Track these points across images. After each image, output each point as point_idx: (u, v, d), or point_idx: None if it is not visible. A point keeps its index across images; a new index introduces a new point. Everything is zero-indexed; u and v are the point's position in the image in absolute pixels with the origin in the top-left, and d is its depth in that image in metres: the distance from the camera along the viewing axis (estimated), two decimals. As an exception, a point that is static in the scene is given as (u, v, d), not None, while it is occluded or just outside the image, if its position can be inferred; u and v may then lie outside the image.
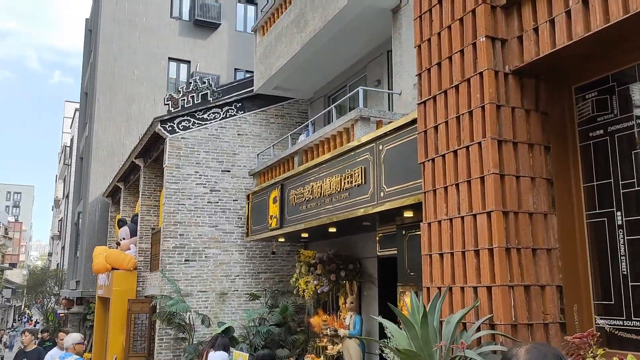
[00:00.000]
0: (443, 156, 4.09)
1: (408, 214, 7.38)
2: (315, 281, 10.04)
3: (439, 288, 4.01)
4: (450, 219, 3.96)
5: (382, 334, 9.52)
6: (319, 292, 10.06)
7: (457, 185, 3.93)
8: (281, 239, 11.42)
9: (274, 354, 10.34)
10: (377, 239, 9.55)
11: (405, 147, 6.73)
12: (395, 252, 9.17)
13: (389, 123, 7.31)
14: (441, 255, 4.03)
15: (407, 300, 4.49)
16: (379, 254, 9.51)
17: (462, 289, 3.79)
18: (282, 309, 10.85)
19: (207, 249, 11.78)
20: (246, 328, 11.24)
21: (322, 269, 10.00)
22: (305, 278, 10.26)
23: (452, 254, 3.92)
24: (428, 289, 4.16)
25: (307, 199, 9.10)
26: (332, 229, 9.41)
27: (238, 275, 11.97)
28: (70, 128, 41.59)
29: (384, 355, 5.92)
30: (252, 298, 11.60)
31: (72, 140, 35.41)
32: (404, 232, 7.86)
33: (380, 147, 7.21)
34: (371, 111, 7.91)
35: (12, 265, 70.93)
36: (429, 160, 4.26)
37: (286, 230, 9.82)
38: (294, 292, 10.98)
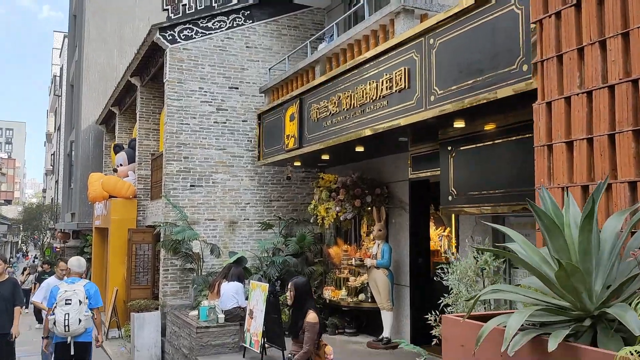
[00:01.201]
0: (576, 4, 2.90)
1: (459, 123, 6.26)
2: (338, 208, 9.03)
3: (564, 188, 2.93)
4: (589, 92, 2.82)
5: (414, 263, 8.62)
6: (341, 219, 9.07)
7: (602, 42, 2.77)
8: (297, 163, 10.32)
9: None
10: (410, 160, 8.46)
11: (465, 39, 5.52)
12: (430, 174, 8.13)
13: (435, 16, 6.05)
14: (570, 143, 2.92)
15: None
16: (411, 176, 8.44)
17: (610, 186, 2.71)
18: (299, 238, 9.88)
19: (215, 173, 10.69)
20: (259, 259, 10.33)
21: (345, 194, 8.96)
22: (326, 205, 9.24)
23: (590, 140, 2.81)
24: (544, 190, 3.07)
25: (332, 112, 7.93)
26: (360, 148, 8.29)
27: (249, 203, 10.95)
28: (60, 57, 39.57)
29: (442, 279, 4.95)
30: (265, 227, 10.63)
31: (61, 69, 33.59)
32: (449, 148, 6.75)
33: (432, 41, 5.98)
34: (416, 1, 6.62)
35: (7, 202, 70.19)
36: (549, 16, 3.07)
37: (307, 149, 8.69)
38: (311, 220, 10.00)
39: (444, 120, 6.25)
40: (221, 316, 8.10)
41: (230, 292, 8.26)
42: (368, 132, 7.08)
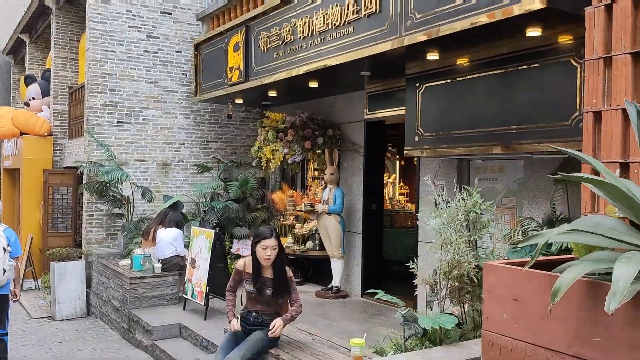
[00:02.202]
0: None
1: (433, 55, 5.66)
2: (285, 149, 8.33)
3: (624, 110, 2.41)
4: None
5: (367, 210, 8.16)
6: (289, 162, 8.40)
7: None
8: (238, 100, 9.44)
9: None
10: (366, 99, 7.87)
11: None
12: (388, 114, 7.60)
13: None
14: (637, 55, 2.37)
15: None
16: (367, 117, 7.87)
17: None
18: (241, 182, 9.12)
19: (145, 109, 9.59)
20: (197, 204, 9.51)
21: (293, 135, 8.26)
22: (272, 146, 8.51)
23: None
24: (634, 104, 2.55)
25: (286, 41, 7.10)
26: (313, 84, 7.56)
27: (183, 144, 9.98)
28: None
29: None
30: (202, 170, 9.76)
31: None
32: (417, 84, 6.19)
33: (410, -43, 5.27)
34: None
35: None
36: None
37: (254, 84, 7.83)
38: (254, 164, 9.25)
39: (417, 51, 5.63)
40: (158, 265, 7.31)
41: (168, 240, 7.46)
42: (330, 63, 6.35)
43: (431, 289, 4.24)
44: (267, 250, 4.31)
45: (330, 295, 7.87)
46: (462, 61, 5.63)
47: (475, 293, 4.19)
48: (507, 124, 5.16)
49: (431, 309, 4.29)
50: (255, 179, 9.32)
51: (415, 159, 10.86)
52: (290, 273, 4.46)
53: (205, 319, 6.56)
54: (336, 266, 7.92)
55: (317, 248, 8.48)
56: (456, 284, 4.10)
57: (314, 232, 8.52)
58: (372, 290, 4.58)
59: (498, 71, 5.27)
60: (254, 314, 4.38)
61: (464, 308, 4.26)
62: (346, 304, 7.61)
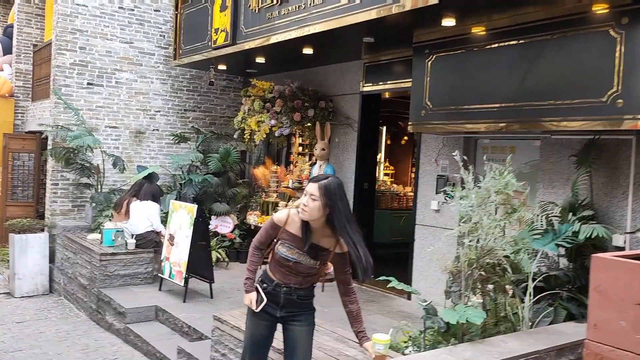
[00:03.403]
0: None
1: (449, 21, 5.16)
2: (272, 121, 7.72)
3: None
4: None
5: (359, 189, 7.65)
6: (276, 134, 7.80)
7: None
8: (222, 66, 8.77)
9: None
10: (363, 70, 7.32)
11: None
12: (388, 86, 7.09)
13: None
14: None
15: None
16: (363, 89, 7.33)
17: None
18: (222, 154, 8.48)
19: (119, 71, 8.82)
20: (172, 176, 8.84)
21: (282, 106, 7.67)
22: (258, 117, 7.89)
23: None
24: None
25: (281, 0, 6.47)
26: (308, 50, 6.97)
27: (159, 111, 9.26)
28: None
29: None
30: (178, 140, 9.07)
31: None
32: (427, 52, 5.67)
33: None
34: None
35: None
36: None
37: (242, 47, 7.19)
38: (235, 135, 8.61)
39: (431, 15, 5.11)
40: (131, 241, 6.67)
41: (143, 214, 6.82)
42: (331, 27, 5.77)
43: (453, 278, 3.78)
44: (305, 197, 3.08)
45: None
46: (481, 29, 5.13)
47: (501, 284, 3.76)
48: (530, 99, 4.71)
49: (451, 301, 3.84)
50: (237, 152, 8.71)
51: (414, 136, 10.42)
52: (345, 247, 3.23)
53: (184, 301, 5.99)
54: (324, 247, 7.42)
55: (302, 228, 7.96)
56: (482, 273, 3.66)
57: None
58: (384, 278, 4.08)
59: (522, 41, 4.80)
60: (285, 289, 3.17)
61: (485, 300, 3.83)
62: (335, 289, 7.11)
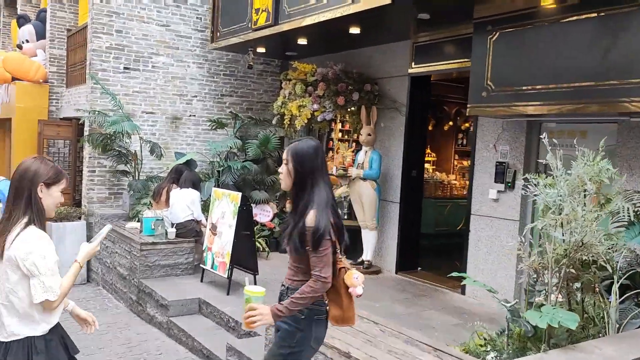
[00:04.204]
0: None
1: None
2: (315, 105, 7.38)
3: None
4: None
5: (406, 176, 7.26)
6: (318, 119, 7.46)
7: None
8: (260, 49, 8.43)
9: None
10: (412, 49, 6.90)
11: None
12: (441, 67, 6.66)
13: None
14: None
15: None
16: (412, 70, 6.92)
17: None
18: (262, 140, 8.18)
19: (156, 55, 8.56)
20: (210, 163, 8.58)
21: (325, 90, 7.31)
22: (299, 101, 7.55)
23: None
24: None
25: (328, -23, 6.09)
26: (355, 29, 6.58)
27: (196, 96, 8.99)
28: None
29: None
30: (216, 126, 8.80)
31: None
32: (489, 29, 5.24)
33: None
34: None
35: None
36: None
37: (285, 27, 6.83)
38: (274, 121, 8.29)
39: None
40: (172, 230, 6.43)
41: (184, 202, 6.55)
42: (384, 1, 5.37)
43: (537, 275, 3.40)
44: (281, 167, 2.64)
45: (361, 270, 7.03)
46: (554, 1, 4.68)
47: (591, 282, 3.37)
48: (612, 77, 4.26)
49: (532, 301, 3.46)
50: (276, 138, 8.39)
51: (471, 120, 9.96)
52: (311, 223, 2.47)
53: (228, 294, 5.73)
54: (369, 238, 7.09)
55: (345, 217, 7.63)
56: (572, 271, 3.27)
57: (342, 199, 7.66)
58: (456, 274, 3.71)
59: (603, 13, 4.34)
60: (282, 287, 2.70)
61: (570, 300, 3.45)
62: (381, 281, 6.80)
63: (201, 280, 6.22)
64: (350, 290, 2.57)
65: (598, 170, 3.25)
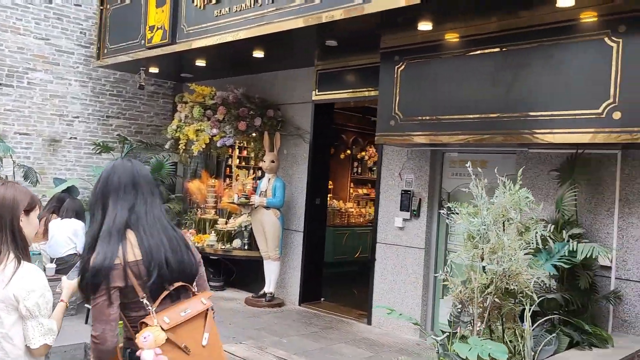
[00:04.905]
0: None
1: (425, 25, 4.81)
2: (214, 130, 7.03)
3: None
4: None
5: (311, 205, 7.08)
6: (218, 145, 7.11)
7: None
8: (153, 69, 7.93)
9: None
10: (316, 77, 6.85)
11: None
12: (345, 96, 6.66)
13: None
14: None
15: None
16: (316, 98, 6.86)
17: None
18: (154, 166, 7.62)
19: (32, 71, 7.72)
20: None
21: (225, 114, 7.00)
22: (197, 125, 7.16)
23: None
24: None
25: (233, -4, 5.86)
26: (258, 53, 6.38)
27: (78, 117, 8.22)
28: None
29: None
30: (100, 150, 8.09)
31: None
32: (396, 59, 5.30)
33: None
34: None
35: None
36: None
37: (184, 47, 6.46)
38: (167, 146, 7.81)
39: (405, 17, 4.74)
40: (51, 266, 5.65)
41: (66, 234, 5.84)
42: (293, 25, 5.24)
43: (463, 306, 3.34)
44: None
45: (263, 304, 6.73)
46: (460, 35, 4.83)
47: (513, 311, 3.37)
48: (515, 110, 4.44)
49: (457, 332, 3.39)
50: (170, 163, 7.87)
51: (369, 149, 10.04)
52: (95, 263, 1.95)
53: (119, 337, 5.10)
54: (272, 269, 6.80)
55: (245, 247, 7.29)
56: (496, 300, 3.24)
57: (243, 229, 7.31)
58: (381, 306, 3.56)
59: (508, 48, 4.53)
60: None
61: (494, 330, 3.43)
62: (285, 314, 6.52)
63: (86, 322, 5.52)
64: (137, 353, 1.90)
65: (518, 199, 3.29)
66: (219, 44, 6.02)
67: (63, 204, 6.10)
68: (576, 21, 4.13)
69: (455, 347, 3.11)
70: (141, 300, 1.94)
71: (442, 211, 3.96)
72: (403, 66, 5.26)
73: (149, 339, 1.88)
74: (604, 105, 3.98)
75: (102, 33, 7.85)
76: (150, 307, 1.95)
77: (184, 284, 2.06)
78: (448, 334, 3.24)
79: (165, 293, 2.00)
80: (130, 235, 2.00)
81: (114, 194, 2.04)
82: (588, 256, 3.92)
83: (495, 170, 3.58)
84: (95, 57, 7.96)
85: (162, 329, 1.91)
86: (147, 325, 1.92)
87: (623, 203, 4.44)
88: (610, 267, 4.44)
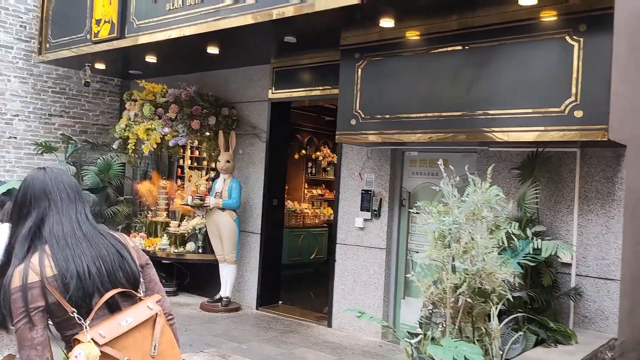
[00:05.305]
0: None
1: (387, 22, 4.74)
2: (166, 129, 6.75)
3: None
4: None
5: (268, 206, 6.89)
6: (170, 144, 6.83)
7: None
8: (99, 65, 7.54)
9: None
10: (272, 75, 6.69)
11: None
12: (301, 94, 6.52)
13: None
14: None
15: None
16: (272, 96, 6.69)
17: None
18: (102, 167, 7.24)
19: (-34, 65, 7.20)
20: (37, 193, 7.34)
21: (177, 112, 6.73)
22: (147, 124, 6.85)
23: None
24: None
25: (186, -10, 5.62)
26: (213, 49, 6.16)
27: (18, 115, 7.72)
28: None
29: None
30: (43, 150, 7.62)
31: None
32: (357, 56, 5.20)
33: None
34: None
35: None
36: None
37: (133, 42, 6.15)
38: (114, 146, 7.46)
39: (366, 13, 4.65)
40: (-11, 276, 5.25)
41: (5, 239, 5.42)
42: (242, 22, 5.07)
43: (434, 307, 3.26)
44: None
45: (219, 309, 6.50)
46: (422, 32, 4.78)
47: (485, 311, 3.32)
48: (477, 108, 4.42)
49: (428, 334, 3.31)
50: (118, 164, 7.51)
51: (326, 149, 9.90)
52: (14, 283, 1.71)
53: (66, 349, 4.78)
54: (228, 273, 6.58)
55: (199, 251, 7.03)
56: (468, 300, 3.18)
57: (196, 232, 7.05)
58: (350, 310, 3.44)
59: (470, 46, 4.51)
60: None
61: (465, 331, 3.37)
62: (243, 318, 6.31)
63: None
64: None
65: (489, 197, 3.24)
66: (171, 39, 5.77)
67: (3, 207, 5.67)
68: (538, 20, 4.14)
69: (428, 349, 3.03)
70: (72, 315, 1.73)
71: (411, 210, 3.89)
72: (364, 64, 5.17)
73: (80, 357, 1.67)
74: (565, 103, 4.01)
75: (44, 26, 7.40)
76: (82, 322, 1.74)
77: (124, 290, 1.86)
78: (421, 336, 3.14)
79: (99, 305, 1.78)
80: (48, 248, 1.79)
81: (26, 208, 1.84)
82: (552, 254, 3.95)
83: (466, 167, 3.53)
84: (37, 52, 7.51)
85: (97, 343, 1.71)
86: (79, 341, 1.70)
87: (582, 200, 4.51)
88: (570, 264, 4.49)
